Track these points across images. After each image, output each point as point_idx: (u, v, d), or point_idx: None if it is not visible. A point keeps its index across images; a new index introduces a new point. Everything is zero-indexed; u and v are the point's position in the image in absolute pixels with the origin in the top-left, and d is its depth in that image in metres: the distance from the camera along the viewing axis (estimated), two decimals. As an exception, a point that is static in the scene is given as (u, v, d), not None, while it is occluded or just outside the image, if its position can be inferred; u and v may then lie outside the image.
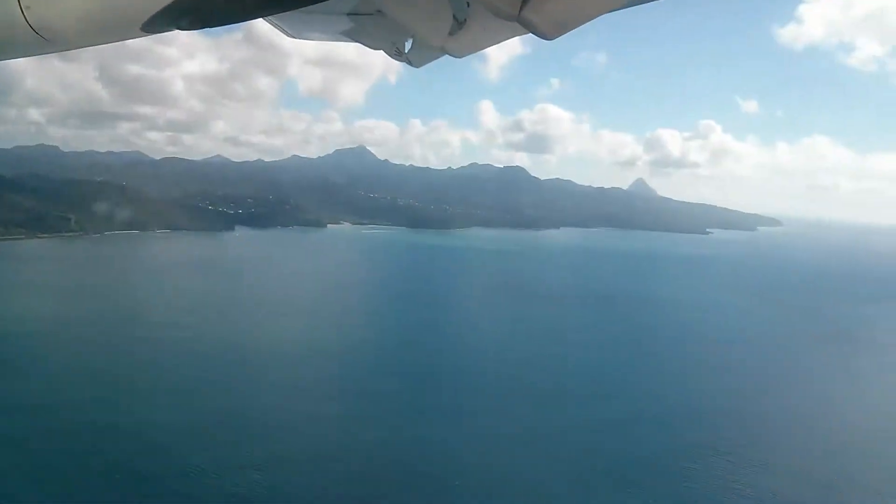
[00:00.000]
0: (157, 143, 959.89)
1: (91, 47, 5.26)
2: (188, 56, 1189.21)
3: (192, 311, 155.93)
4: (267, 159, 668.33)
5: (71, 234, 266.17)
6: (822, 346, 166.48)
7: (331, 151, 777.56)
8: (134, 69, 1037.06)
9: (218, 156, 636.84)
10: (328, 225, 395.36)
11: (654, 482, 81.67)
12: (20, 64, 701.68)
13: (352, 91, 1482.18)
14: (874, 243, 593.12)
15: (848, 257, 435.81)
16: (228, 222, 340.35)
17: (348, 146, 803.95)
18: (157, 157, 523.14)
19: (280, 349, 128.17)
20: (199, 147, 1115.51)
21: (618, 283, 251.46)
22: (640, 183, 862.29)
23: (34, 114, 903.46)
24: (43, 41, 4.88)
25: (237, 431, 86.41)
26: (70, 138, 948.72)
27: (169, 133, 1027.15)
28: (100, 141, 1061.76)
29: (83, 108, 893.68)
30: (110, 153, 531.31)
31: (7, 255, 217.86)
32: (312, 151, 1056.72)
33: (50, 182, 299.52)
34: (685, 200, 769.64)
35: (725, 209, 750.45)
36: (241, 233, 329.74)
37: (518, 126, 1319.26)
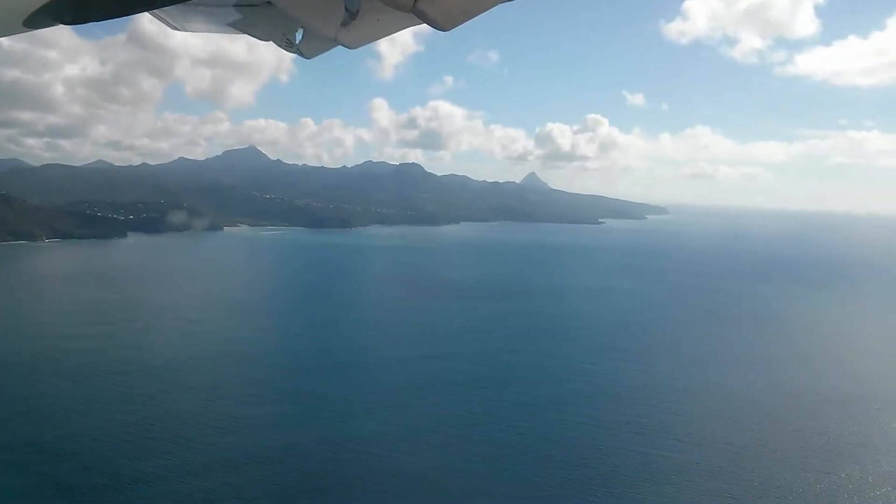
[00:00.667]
0: (34, 150, 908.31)
1: None
2: (69, 59, 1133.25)
3: (93, 322, 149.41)
4: (152, 163, 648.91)
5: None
6: (717, 322, 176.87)
7: (219, 153, 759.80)
8: (11, 73, 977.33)
9: (100, 160, 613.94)
10: (225, 228, 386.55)
11: (574, 460, 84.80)
12: None
13: (241, 91, 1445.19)
14: (754, 226, 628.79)
15: (731, 240, 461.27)
16: (120, 229, 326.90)
17: (237, 147, 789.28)
18: (37, 164, 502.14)
19: (186, 355, 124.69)
20: (78, 152, 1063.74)
21: (518, 274, 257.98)
22: (532, 177, 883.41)
23: None
24: None
25: (164, 439, 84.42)
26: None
27: (47, 139, 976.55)
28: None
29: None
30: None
31: None
32: (200, 153, 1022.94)
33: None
34: (577, 192, 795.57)
35: (615, 199, 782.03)
36: (134, 239, 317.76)
37: (412, 123, 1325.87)
